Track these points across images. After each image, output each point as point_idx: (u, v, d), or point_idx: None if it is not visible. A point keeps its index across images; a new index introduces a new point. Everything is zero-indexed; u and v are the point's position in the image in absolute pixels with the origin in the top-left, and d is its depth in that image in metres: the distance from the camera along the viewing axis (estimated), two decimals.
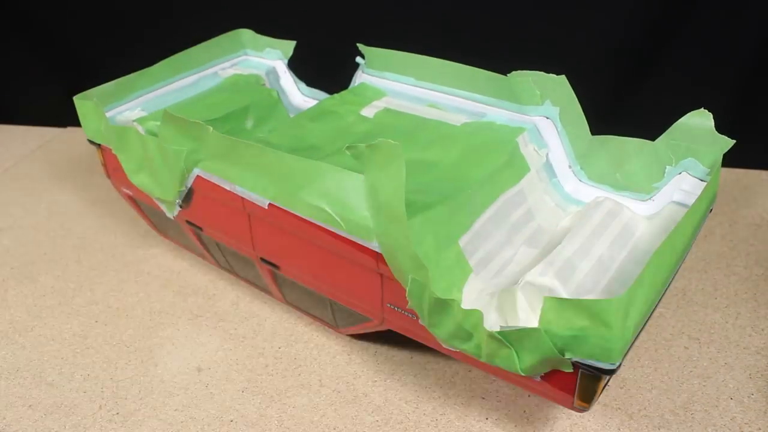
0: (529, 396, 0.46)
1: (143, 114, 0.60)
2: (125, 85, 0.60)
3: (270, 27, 0.69)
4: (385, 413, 0.46)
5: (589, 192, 0.50)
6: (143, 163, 0.53)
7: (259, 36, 0.68)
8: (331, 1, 0.75)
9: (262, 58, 0.68)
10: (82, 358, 0.52)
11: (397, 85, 0.60)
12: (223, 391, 0.48)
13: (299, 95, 0.67)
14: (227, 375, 0.49)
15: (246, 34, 0.68)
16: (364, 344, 0.51)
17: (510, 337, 0.35)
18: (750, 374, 0.47)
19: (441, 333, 0.39)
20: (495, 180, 0.47)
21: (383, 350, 0.50)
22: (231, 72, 0.67)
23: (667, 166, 0.47)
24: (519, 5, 0.70)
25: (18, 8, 0.84)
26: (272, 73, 0.67)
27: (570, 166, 0.51)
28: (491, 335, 0.35)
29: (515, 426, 0.44)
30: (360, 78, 0.62)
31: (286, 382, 0.48)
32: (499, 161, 0.48)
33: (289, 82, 0.67)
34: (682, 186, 0.47)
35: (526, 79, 0.51)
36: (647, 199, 0.48)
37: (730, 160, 0.74)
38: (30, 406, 0.48)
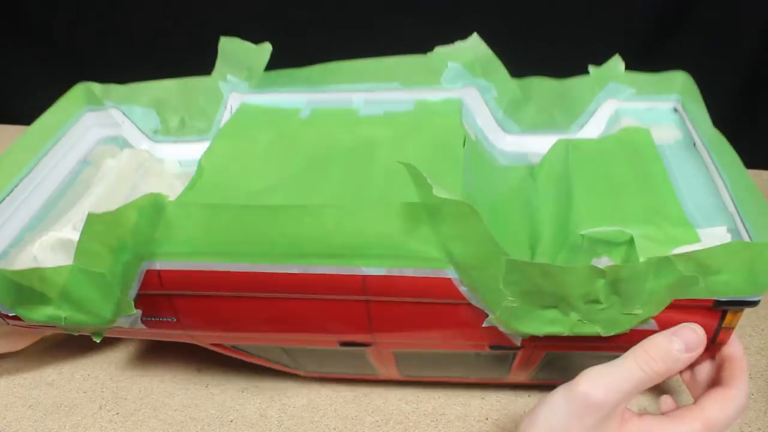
0: (529, 396, 0.46)
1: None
2: None
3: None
4: (385, 413, 0.46)
5: (521, 141, 0.50)
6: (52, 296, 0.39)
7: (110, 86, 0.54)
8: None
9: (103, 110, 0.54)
10: (82, 358, 0.52)
11: (293, 96, 0.52)
12: (223, 391, 0.48)
13: (148, 142, 0.54)
14: (227, 375, 0.49)
15: (85, 88, 0.54)
16: None
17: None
18: (750, 374, 0.47)
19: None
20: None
21: None
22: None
23: (592, 96, 0.48)
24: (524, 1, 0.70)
25: (17, 8, 0.84)
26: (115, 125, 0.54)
27: (499, 124, 0.51)
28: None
29: (515, 426, 0.44)
30: (235, 99, 0.53)
31: (286, 382, 0.48)
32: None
33: (131, 131, 0.54)
34: (611, 114, 0.47)
35: (445, 52, 0.50)
36: (573, 133, 0.49)
37: None
38: (30, 406, 0.48)
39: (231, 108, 0.53)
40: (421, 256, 0.34)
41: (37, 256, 0.43)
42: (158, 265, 0.37)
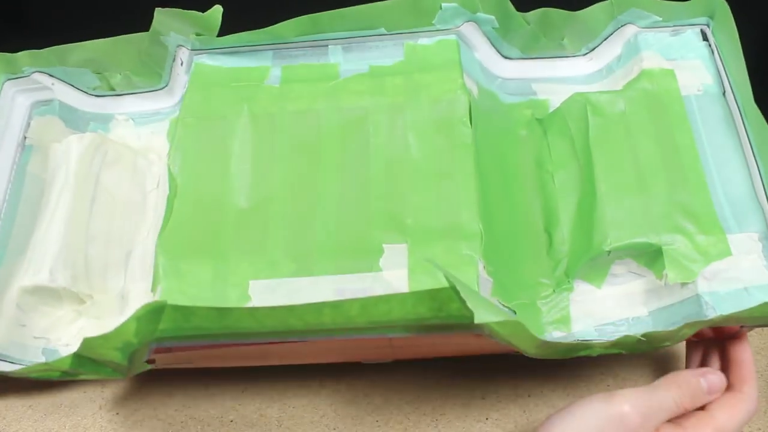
0: (529, 396, 0.46)
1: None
2: None
3: None
4: (385, 413, 0.46)
5: (523, 67, 0.46)
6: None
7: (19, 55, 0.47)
8: None
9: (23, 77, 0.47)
10: None
11: (256, 51, 0.44)
12: (223, 391, 0.48)
13: (89, 99, 0.48)
14: (227, 375, 0.49)
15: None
16: None
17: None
18: None
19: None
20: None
21: None
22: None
23: (609, 20, 0.44)
24: None
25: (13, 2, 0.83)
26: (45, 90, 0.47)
27: (498, 51, 0.46)
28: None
29: (515, 426, 0.44)
30: (184, 53, 0.46)
31: (286, 382, 0.48)
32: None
33: (65, 92, 0.47)
34: (629, 39, 0.44)
35: None
36: (582, 55, 0.45)
37: None
38: (30, 406, 0.48)
39: (181, 62, 0.46)
40: (449, 325, 0.33)
41: (20, 304, 0.41)
42: (167, 343, 0.35)
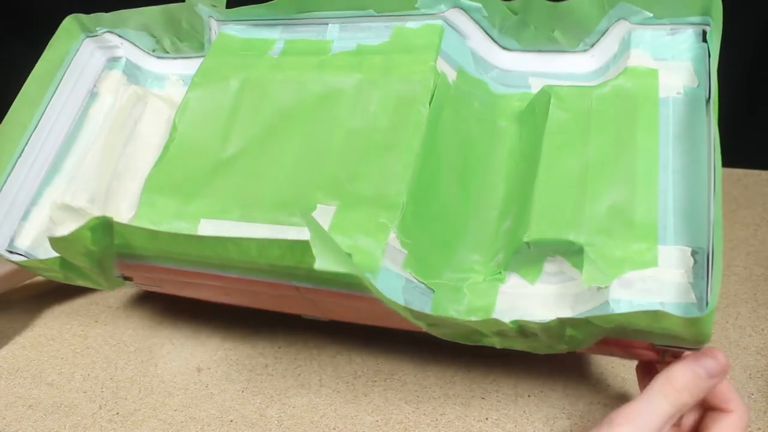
0: (529, 396, 0.46)
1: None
2: None
3: None
4: (385, 413, 0.46)
5: (522, 59, 0.46)
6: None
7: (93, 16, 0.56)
8: None
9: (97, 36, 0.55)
10: (82, 358, 0.52)
11: (268, 25, 0.50)
12: (223, 391, 0.48)
13: (150, 59, 0.56)
14: (227, 375, 0.49)
15: (77, 19, 0.55)
16: (364, 344, 0.51)
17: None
18: (750, 374, 0.47)
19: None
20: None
21: (383, 350, 0.50)
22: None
23: (601, 15, 0.43)
24: None
25: (17, 5, 0.83)
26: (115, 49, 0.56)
27: (495, 41, 0.46)
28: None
29: (515, 426, 0.44)
30: (214, 24, 0.52)
31: (286, 382, 0.48)
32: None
33: (131, 51, 0.56)
34: (624, 36, 0.42)
35: None
36: (584, 51, 0.44)
37: (729, 160, 0.74)
38: (30, 406, 0.48)
39: (214, 31, 0.53)
40: (342, 281, 0.33)
41: (52, 217, 0.50)
42: (125, 260, 0.41)
